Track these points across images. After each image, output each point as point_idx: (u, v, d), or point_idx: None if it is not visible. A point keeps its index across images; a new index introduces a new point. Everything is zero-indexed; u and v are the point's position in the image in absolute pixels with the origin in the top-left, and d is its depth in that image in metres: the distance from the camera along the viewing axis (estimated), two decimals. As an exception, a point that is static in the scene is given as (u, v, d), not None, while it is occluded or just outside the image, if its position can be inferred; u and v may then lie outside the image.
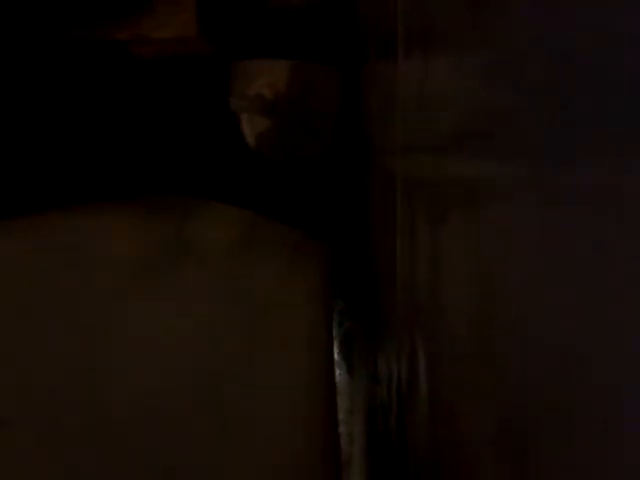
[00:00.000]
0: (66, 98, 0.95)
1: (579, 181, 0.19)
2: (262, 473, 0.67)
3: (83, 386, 0.71)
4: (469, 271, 0.34)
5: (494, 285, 0.30)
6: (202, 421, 0.69)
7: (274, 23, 0.95)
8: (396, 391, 0.65)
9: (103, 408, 0.69)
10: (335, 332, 0.86)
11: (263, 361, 0.73)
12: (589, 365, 0.19)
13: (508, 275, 0.27)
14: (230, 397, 0.71)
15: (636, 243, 0.15)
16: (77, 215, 0.89)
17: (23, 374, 0.71)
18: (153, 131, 0.95)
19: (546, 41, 0.22)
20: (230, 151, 0.96)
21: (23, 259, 0.81)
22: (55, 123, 0.95)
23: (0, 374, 0.71)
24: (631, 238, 0.16)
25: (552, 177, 0.21)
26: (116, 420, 0.68)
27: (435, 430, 0.47)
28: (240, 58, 0.95)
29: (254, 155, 0.96)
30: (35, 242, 0.84)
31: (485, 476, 0.33)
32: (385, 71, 0.66)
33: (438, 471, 0.46)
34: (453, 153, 0.38)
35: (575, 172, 0.20)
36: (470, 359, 0.35)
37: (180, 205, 0.93)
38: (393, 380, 0.67)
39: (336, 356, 0.84)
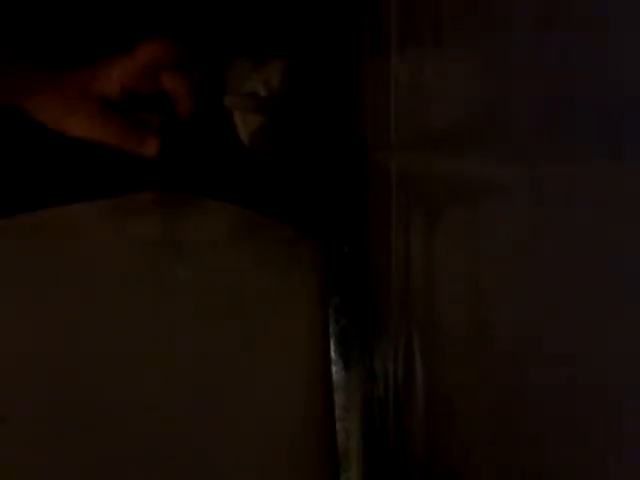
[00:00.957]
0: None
1: (575, 179, 0.19)
2: (262, 472, 0.67)
3: (80, 385, 0.70)
4: (464, 267, 0.34)
5: (490, 282, 0.30)
6: (201, 420, 0.69)
7: (268, 20, 0.95)
8: (393, 387, 0.65)
9: (102, 407, 0.69)
10: (331, 329, 0.86)
11: (261, 359, 0.73)
12: (588, 364, 0.19)
13: (504, 272, 0.27)
14: (229, 397, 0.71)
15: (635, 243, 0.15)
16: (67, 213, 0.89)
17: (20, 372, 0.71)
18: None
19: (543, 39, 0.22)
20: (224, 149, 0.96)
21: (14, 258, 0.81)
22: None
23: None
24: (631, 238, 0.16)
25: (550, 176, 0.21)
26: (114, 418, 0.68)
27: (432, 426, 0.47)
28: (234, 56, 0.95)
29: (248, 153, 0.96)
30: (23, 241, 0.84)
31: (483, 473, 0.33)
32: (379, 69, 0.66)
33: (435, 467, 0.47)
34: (448, 150, 0.38)
35: (572, 170, 0.20)
36: (466, 355, 0.35)
37: (174, 202, 0.93)
38: (390, 376, 0.67)
39: (332, 353, 0.84)
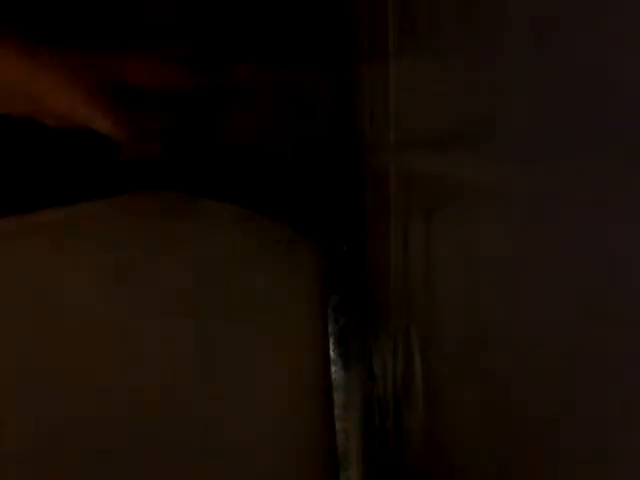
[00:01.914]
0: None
1: (574, 179, 0.19)
2: (261, 472, 0.67)
3: (77, 385, 0.70)
4: (463, 267, 0.34)
5: (489, 281, 0.30)
6: (201, 420, 0.69)
7: (264, 24, 0.95)
8: (392, 387, 0.65)
9: (101, 407, 0.69)
10: (330, 329, 0.86)
11: (259, 359, 0.73)
12: (587, 364, 0.19)
13: (503, 271, 0.27)
14: (228, 397, 0.71)
15: (633, 243, 0.15)
16: (67, 213, 0.89)
17: (17, 373, 0.71)
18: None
19: (541, 39, 0.21)
20: (222, 149, 0.96)
21: (15, 258, 0.81)
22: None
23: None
24: (629, 239, 0.16)
25: (550, 176, 0.21)
26: (113, 419, 0.68)
27: (431, 425, 0.47)
28: (230, 60, 0.95)
29: (246, 153, 0.96)
30: (23, 241, 0.84)
31: (483, 473, 0.33)
32: (377, 67, 0.66)
33: (435, 466, 0.47)
34: (447, 150, 0.38)
35: (569, 170, 0.20)
36: (466, 354, 0.35)
37: (172, 202, 0.93)
38: (389, 376, 0.67)
39: (331, 352, 0.84)
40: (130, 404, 0.69)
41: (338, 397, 0.81)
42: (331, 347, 0.84)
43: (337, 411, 0.78)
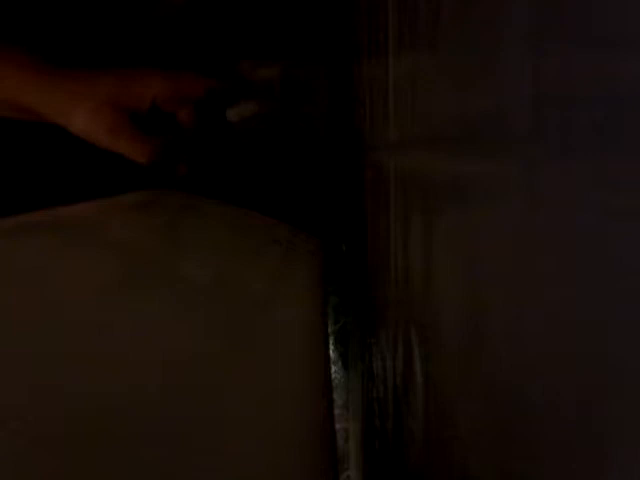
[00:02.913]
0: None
1: (574, 178, 0.19)
2: (261, 471, 0.67)
3: (76, 385, 0.70)
4: (463, 267, 0.34)
5: (489, 281, 0.30)
6: (200, 420, 0.69)
7: (266, 22, 0.95)
8: (392, 387, 0.65)
9: (99, 407, 0.69)
10: (330, 328, 0.86)
11: (260, 359, 0.73)
12: (587, 363, 0.19)
13: (503, 271, 0.27)
14: (228, 396, 0.71)
15: (632, 244, 0.15)
16: (67, 212, 0.89)
17: (16, 373, 0.71)
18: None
19: (539, 39, 0.21)
20: (220, 149, 0.96)
21: (15, 258, 0.81)
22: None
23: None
24: (631, 238, 0.16)
25: (549, 175, 0.21)
26: (114, 418, 0.68)
27: (431, 425, 0.47)
28: (232, 58, 0.95)
29: (244, 153, 0.96)
30: (24, 241, 0.84)
31: (482, 473, 0.33)
32: (376, 68, 0.66)
33: (434, 466, 0.47)
34: (446, 149, 0.38)
35: (570, 170, 0.20)
36: (465, 354, 0.35)
37: (172, 201, 0.93)
38: (389, 376, 0.67)
39: (331, 352, 0.84)
40: (129, 403, 0.69)
41: (338, 397, 0.81)
42: (331, 347, 0.84)
43: (337, 411, 0.78)
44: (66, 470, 0.66)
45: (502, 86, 0.26)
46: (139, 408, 0.69)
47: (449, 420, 0.40)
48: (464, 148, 0.33)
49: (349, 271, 0.93)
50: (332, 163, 0.98)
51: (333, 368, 0.83)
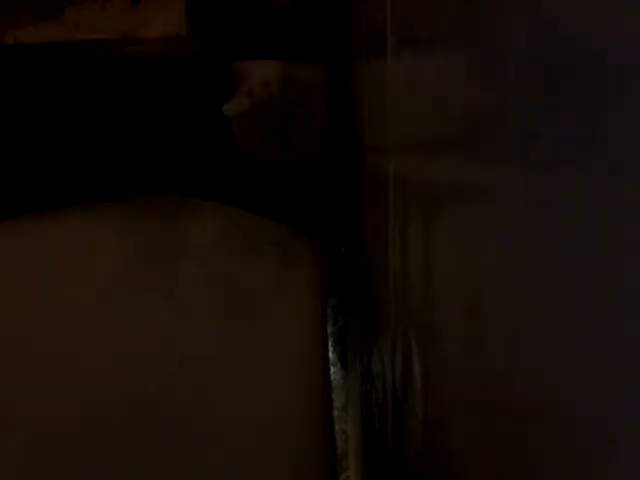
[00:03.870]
0: (55, 98, 0.95)
1: (573, 179, 0.19)
2: (261, 471, 0.67)
3: (75, 385, 0.70)
4: (461, 269, 0.34)
5: (487, 283, 0.30)
6: (200, 420, 0.69)
7: (264, 21, 0.95)
8: (391, 387, 0.65)
9: (99, 407, 0.69)
10: (329, 330, 0.86)
11: (259, 360, 0.73)
12: (587, 363, 0.19)
13: (501, 272, 0.27)
14: (227, 396, 0.71)
15: (632, 246, 0.16)
16: (64, 215, 0.88)
17: (15, 374, 0.71)
18: (142, 129, 0.94)
19: (537, 40, 0.22)
20: (220, 150, 0.96)
21: (15, 258, 0.81)
22: (44, 122, 0.94)
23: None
24: (629, 239, 0.16)
25: (547, 177, 0.21)
26: (113, 418, 0.68)
27: (429, 425, 0.47)
28: (229, 58, 0.95)
29: (244, 154, 0.96)
30: (24, 241, 0.84)
31: (481, 472, 0.33)
32: (374, 69, 0.66)
33: (433, 465, 0.47)
34: (444, 152, 0.38)
35: (569, 170, 0.20)
36: (463, 355, 0.35)
37: (170, 203, 0.93)
38: (387, 376, 0.67)
39: (330, 354, 0.84)
40: (129, 402, 0.69)
41: (337, 398, 0.81)
42: (330, 348, 0.84)
43: (336, 412, 0.79)
44: (66, 470, 0.66)
45: (501, 87, 0.26)
46: (139, 408, 0.69)
47: (448, 421, 0.40)
48: (462, 150, 0.33)
49: (348, 272, 0.93)
50: (330, 166, 0.98)
51: (332, 369, 0.83)
